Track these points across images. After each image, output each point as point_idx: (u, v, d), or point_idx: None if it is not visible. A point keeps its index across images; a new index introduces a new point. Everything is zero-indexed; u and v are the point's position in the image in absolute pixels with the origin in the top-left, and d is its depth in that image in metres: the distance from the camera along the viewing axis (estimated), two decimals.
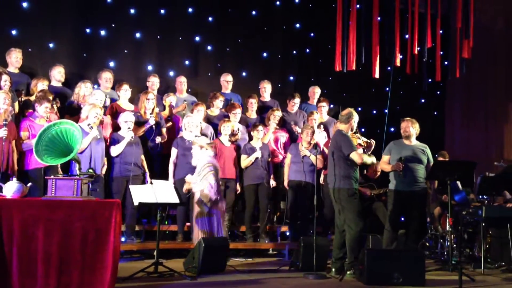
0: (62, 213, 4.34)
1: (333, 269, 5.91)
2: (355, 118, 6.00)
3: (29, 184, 4.73)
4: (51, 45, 7.91)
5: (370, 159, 5.96)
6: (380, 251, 6.06)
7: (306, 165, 7.26)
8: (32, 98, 6.60)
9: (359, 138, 5.98)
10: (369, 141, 6.10)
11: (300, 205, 7.32)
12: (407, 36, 8.87)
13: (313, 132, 7.36)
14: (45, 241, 4.27)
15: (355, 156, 5.77)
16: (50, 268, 4.25)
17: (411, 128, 6.51)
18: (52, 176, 4.62)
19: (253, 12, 9.54)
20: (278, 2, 9.72)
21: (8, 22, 7.62)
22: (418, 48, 8.83)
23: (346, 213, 5.79)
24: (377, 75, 8.40)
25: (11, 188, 4.46)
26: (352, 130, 5.98)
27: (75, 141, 4.68)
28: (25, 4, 7.76)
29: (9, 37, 7.49)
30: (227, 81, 8.35)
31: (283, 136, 7.90)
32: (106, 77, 7.47)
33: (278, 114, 7.79)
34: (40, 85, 6.77)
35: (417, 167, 6.38)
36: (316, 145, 6.47)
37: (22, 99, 6.65)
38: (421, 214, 6.54)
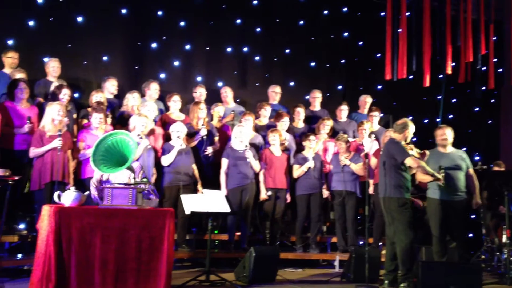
0: (119, 221, 4.45)
1: (386, 281, 5.78)
2: (411, 129, 5.84)
3: (86, 192, 4.86)
4: (104, 58, 8.14)
5: (428, 167, 5.77)
6: (435, 263, 5.89)
7: (347, 174, 7.21)
8: (90, 109, 6.80)
9: (412, 149, 5.83)
10: (422, 151, 5.96)
11: (347, 215, 7.26)
12: (459, 43, 8.66)
13: (346, 142, 7.30)
14: (102, 248, 4.37)
15: (410, 161, 5.61)
16: (107, 275, 4.35)
17: (450, 136, 6.30)
18: (108, 185, 4.73)
19: (301, 22, 9.57)
20: (325, 11, 9.71)
21: (64, 36, 7.87)
22: (471, 56, 8.60)
23: (396, 224, 5.67)
24: (428, 83, 8.23)
25: (69, 197, 4.60)
26: (405, 140, 5.84)
27: (130, 151, 4.79)
28: (80, 19, 8.03)
29: (66, 51, 7.74)
30: (275, 92, 8.38)
31: (333, 146, 7.83)
32: (156, 88, 7.62)
33: (328, 123, 7.75)
34: (95, 97, 6.96)
35: (458, 175, 6.15)
36: (366, 155, 6.39)
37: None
38: (462, 223, 6.29)
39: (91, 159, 4.70)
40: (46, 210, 4.42)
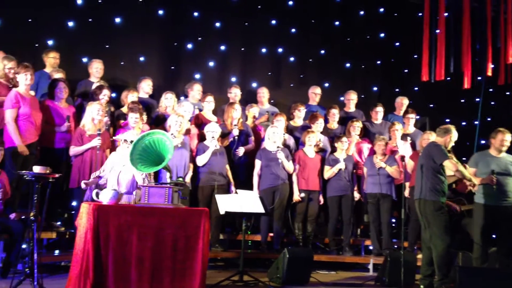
0: (155, 220, 4.49)
1: (422, 286, 5.68)
2: (453, 135, 5.77)
3: (124, 191, 4.92)
4: (141, 58, 8.26)
5: (467, 172, 5.68)
6: (473, 269, 5.77)
7: (382, 177, 7.11)
8: (124, 109, 6.89)
9: (452, 158, 5.73)
10: (463, 165, 5.86)
11: (381, 218, 7.17)
12: (499, 44, 8.47)
13: (386, 144, 7.20)
14: (139, 246, 4.42)
15: (449, 164, 5.53)
16: (143, 273, 4.39)
17: (509, 141, 6.16)
18: (145, 184, 4.78)
19: (336, 23, 9.51)
20: (361, 12, 9.63)
21: (102, 37, 8.04)
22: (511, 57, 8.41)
23: (431, 228, 5.57)
24: (468, 85, 8.07)
25: (107, 195, 4.67)
26: (446, 146, 5.73)
27: (167, 151, 4.83)
28: (118, 20, 8.17)
29: (104, 51, 7.88)
30: (315, 93, 8.34)
31: (367, 147, 7.75)
32: (199, 89, 7.69)
33: (358, 125, 7.66)
34: (130, 96, 7.04)
35: (507, 180, 6.01)
36: (403, 158, 6.29)
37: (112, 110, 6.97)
38: (509, 230, 6.15)
39: (129, 158, 4.75)
40: (84, 208, 4.50)
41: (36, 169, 4.49)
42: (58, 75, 6.74)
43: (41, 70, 6.98)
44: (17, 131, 5.73)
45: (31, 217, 4.51)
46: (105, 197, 4.67)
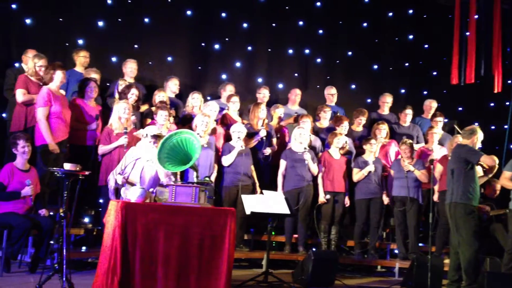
0: (182, 219, 4.50)
1: None
2: (479, 135, 5.72)
3: (151, 189, 4.96)
4: (169, 58, 8.33)
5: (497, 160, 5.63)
6: (502, 275, 5.64)
7: (410, 180, 7.02)
8: (153, 108, 6.95)
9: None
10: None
11: (408, 222, 7.08)
12: None
13: (411, 147, 7.12)
14: (165, 244, 4.44)
15: (487, 159, 5.47)
16: (169, 271, 4.41)
17: None
18: (172, 183, 4.81)
19: (364, 24, 9.43)
20: (390, 13, 9.54)
21: (132, 37, 8.14)
22: None
23: (460, 233, 5.49)
24: (498, 89, 7.93)
25: (135, 193, 4.71)
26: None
27: (194, 150, 4.85)
28: (146, 20, 8.25)
29: (133, 51, 7.97)
30: (331, 94, 8.29)
31: (394, 150, 7.67)
32: (232, 90, 7.74)
33: (383, 127, 7.58)
34: (157, 96, 7.10)
35: None
36: (432, 161, 6.22)
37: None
38: None
39: (157, 157, 4.79)
40: (113, 205, 4.55)
41: (67, 166, 4.54)
42: (94, 75, 6.83)
43: (71, 69, 7.10)
44: (49, 129, 5.83)
45: (61, 214, 4.57)
46: (133, 195, 4.70)
